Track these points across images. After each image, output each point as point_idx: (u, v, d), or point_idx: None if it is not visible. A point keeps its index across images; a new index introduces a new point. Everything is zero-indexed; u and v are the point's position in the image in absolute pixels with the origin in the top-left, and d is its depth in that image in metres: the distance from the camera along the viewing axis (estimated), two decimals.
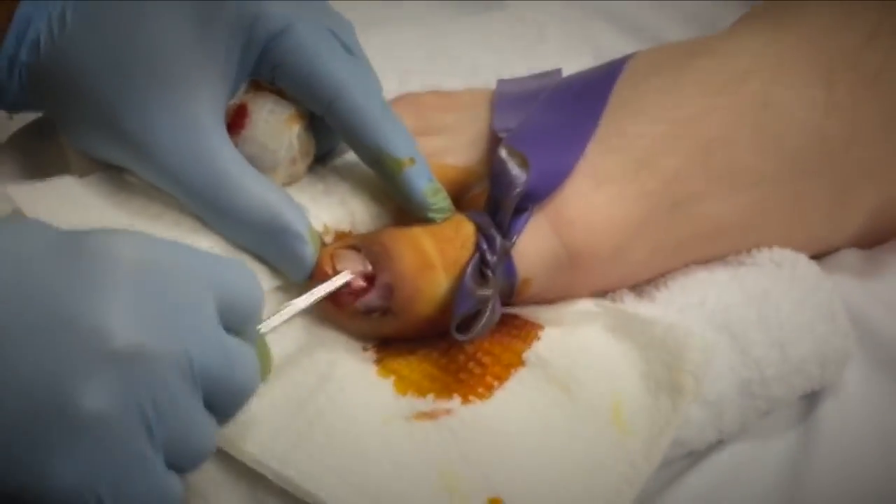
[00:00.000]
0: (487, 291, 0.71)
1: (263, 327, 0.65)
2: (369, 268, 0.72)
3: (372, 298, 0.72)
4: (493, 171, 0.74)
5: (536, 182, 0.73)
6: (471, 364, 0.72)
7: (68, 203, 0.75)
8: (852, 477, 0.73)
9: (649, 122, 0.77)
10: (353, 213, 0.77)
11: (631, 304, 0.76)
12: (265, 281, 0.72)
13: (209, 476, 0.66)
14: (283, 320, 0.67)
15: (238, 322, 0.60)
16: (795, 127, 0.78)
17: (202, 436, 0.58)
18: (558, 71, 0.86)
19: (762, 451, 0.74)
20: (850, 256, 0.83)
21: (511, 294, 0.74)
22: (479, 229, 0.73)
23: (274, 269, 0.73)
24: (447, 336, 0.71)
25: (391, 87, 0.79)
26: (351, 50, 0.76)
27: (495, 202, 0.74)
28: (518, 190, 0.73)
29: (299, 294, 0.70)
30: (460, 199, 0.78)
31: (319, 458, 0.65)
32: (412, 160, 0.74)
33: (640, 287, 0.78)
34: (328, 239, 0.75)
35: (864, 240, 0.84)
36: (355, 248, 0.73)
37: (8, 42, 0.75)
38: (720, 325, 0.74)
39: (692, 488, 0.72)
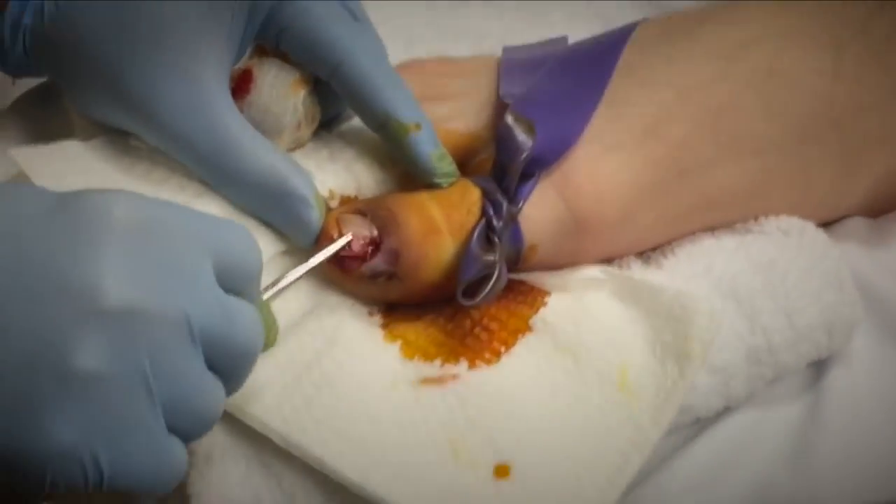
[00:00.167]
0: (493, 257, 0.71)
1: (267, 293, 0.64)
2: (375, 232, 0.72)
3: (378, 263, 0.71)
4: (499, 137, 0.74)
5: (543, 148, 0.73)
6: (477, 330, 0.72)
7: (73, 167, 0.74)
8: (860, 444, 0.73)
9: (657, 89, 0.77)
10: (358, 179, 0.77)
11: (638, 271, 0.76)
12: (270, 245, 0.72)
13: (215, 439, 0.66)
14: (287, 283, 0.67)
15: (237, 283, 0.59)
16: (803, 94, 0.78)
17: (206, 397, 0.57)
18: (564, 38, 0.85)
19: (770, 419, 0.74)
20: (858, 224, 0.83)
21: (517, 260, 0.74)
22: (486, 195, 0.73)
23: (279, 233, 0.73)
24: (453, 302, 0.71)
25: (396, 54, 0.78)
26: (356, 15, 0.75)
27: (501, 168, 0.73)
28: (524, 155, 0.72)
29: (305, 259, 0.70)
30: (466, 164, 0.78)
31: (326, 422, 0.65)
32: (418, 125, 0.74)
33: (647, 254, 0.78)
34: (333, 204, 0.75)
35: (872, 208, 0.83)
36: (361, 212, 0.73)
37: (12, 6, 0.74)
38: (727, 292, 0.74)
39: (699, 455, 0.72)
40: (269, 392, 0.66)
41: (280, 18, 0.74)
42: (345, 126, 0.81)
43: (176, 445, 0.56)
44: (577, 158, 0.74)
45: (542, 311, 0.73)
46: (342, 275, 0.72)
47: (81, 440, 0.53)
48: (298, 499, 0.66)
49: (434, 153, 0.74)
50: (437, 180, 0.74)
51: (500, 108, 0.78)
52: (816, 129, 0.78)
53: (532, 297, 0.74)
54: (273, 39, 0.75)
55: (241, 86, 0.75)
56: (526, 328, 0.72)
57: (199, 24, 0.72)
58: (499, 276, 0.71)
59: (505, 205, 0.72)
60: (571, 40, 0.85)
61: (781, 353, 0.73)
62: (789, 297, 0.74)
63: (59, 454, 0.53)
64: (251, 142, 0.72)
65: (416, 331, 0.72)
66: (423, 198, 0.73)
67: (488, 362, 0.70)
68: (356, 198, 0.76)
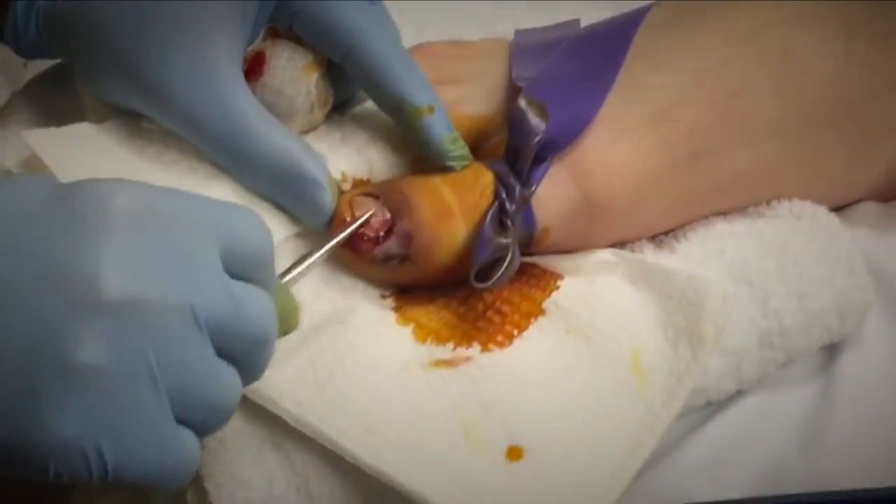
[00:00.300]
0: (506, 240, 0.71)
1: (287, 276, 0.64)
2: (388, 215, 0.72)
3: (391, 246, 0.71)
4: (511, 121, 0.74)
5: (556, 131, 0.73)
6: (490, 313, 0.72)
7: (84, 149, 0.74)
8: (871, 427, 0.73)
9: (669, 72, 0.76)
10: (370, 162, 0.77)
11: (650, 255, 0.76)
12: (282, 228, 0.72)
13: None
14: (308, 265, 0.66)
15: (247, 269, 0.58)
16: (815, 77, 0.78)
17: (218, 387, 0.55)
18: (576, 21, 0.85)
19: (782, 402, 0.74)
20: (870, 209, 0.83)
21: (530, 243, 0.74)
22: (498, 178, 0.73)
23: (291, 216, 0.73)
24: (466, 285, 0.71)
25: (408, 38, 0.78)
26: None
27: (514, 151, 0.73)
28: (537, 139, 0.72)
29: (317, 241, 0.70)
30: (478, 148, 0.78)
31: (338, 404, 0.65)
32: (431, 108, 0.74)
33: (660, 238, 0.78)
34: (346, 186, 0.75)
35: (884, 192, 0.83)
36: (374, 195, 0.73)
37: None
38: (739, 276, 0.74)
39: (711, 438, 0.72)
40: (282, 374, 0.66)
41: (293, 1, 0.74)
42: (357, 109, 0.80)
43: (187, 438, 0.55)
44: (590, 142, 0.74)
45: (555, 295, 0.73)
46: (355, 257, 0.72)
47: (83, 432, 0.52)
48: (311, 480, 0.66)
49: (447, 136, 0.74)
50: (450, 163, 0.74)
51: (513, 91, 0.78)
52: (829, 112, 0.78)
53: (545, 280, 0.74)
54: (286, 22, 0.75)
55: (254, 68, 0.75)
56: (538, 311, 0.72)
57: (213, 6, 0.72)
58: (511, 260, 0.71)
59: (518, 188, 0.72)
60: (583, 23, 0.85)
61: (793, 337, 0.73)
62: (801, 280, 0.74)
63: (61, 445, 0.52)
64: (264, 124, 0.72)
65: (429, 314, 0.72)
66: (436, 181, 0.73)
67: (501, 345, 0.70)
68: (369, 181, 0.76)
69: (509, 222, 0.71)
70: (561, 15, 0.85)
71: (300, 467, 0.66)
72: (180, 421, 0.54)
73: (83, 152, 0.74)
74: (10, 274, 0.52)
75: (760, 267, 0.74)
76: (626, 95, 0.76)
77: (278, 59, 0.75)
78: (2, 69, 1.03)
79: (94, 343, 0.51)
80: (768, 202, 0.79)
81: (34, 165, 0.73)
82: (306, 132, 0.77)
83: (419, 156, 0.76)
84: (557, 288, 0.73)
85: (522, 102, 0.74)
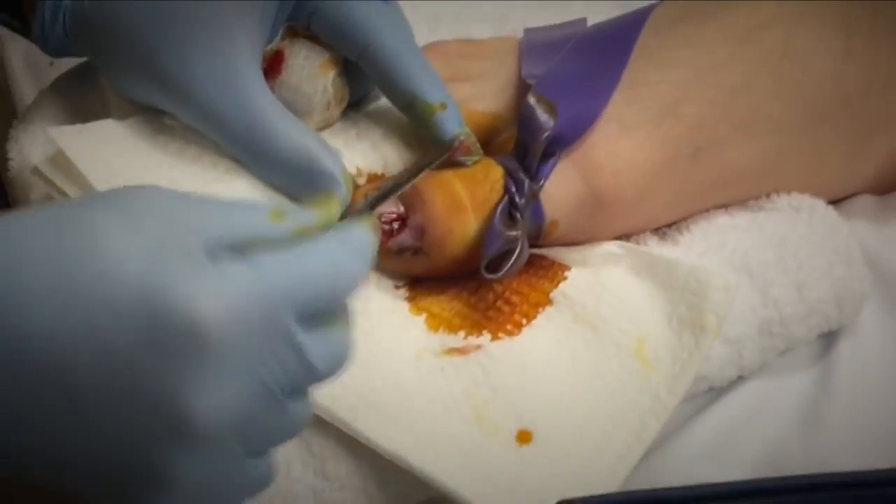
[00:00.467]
0: (516, 232, 0.72)
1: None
2: (402, 209, 0.72)
3: (404, 238, 0.72)
4: (521, 117, 0.74)
5: (564, 127, 0.73)
6: (500, 303, 0.72)
7: (109, 145, 0.75)
8: (868, 412, 0.73)
9: (673, 69, 0.77)
10: (385, 157, 0.77)
11: (654, 247, 0.76)
12: None
13: None
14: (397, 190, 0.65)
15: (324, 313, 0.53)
16: (814, 75, 0.78)
17: (291, 430, 0.54)
18: (583, 20, 0.85)
19: (781, 388, 0.74)
20: (866, 202, 0.83)
21: (539, 235, 0.74)
22: (508, 173, 0.73)
23: None
24: (477, 276, 0.72)
25: (421, 36, 0.78)
26: None
27: (523, 147, 0.74)
28: (546, 135, 0.73)
29: None
30: (489, 144, 0.78)
31: (354, 389, 0.66)
32: (444, 105, 0.74)
33: (663, 230, 0.78)
34: (361, 181, 0.76)
35: (880, 185, 0.84)
36: None
37: None
38: (740, 266, 0.74)
39: (714, 422, 0.72)
40: None
41: (311, 2, 0.74)
42: (372, 106, 0.81)
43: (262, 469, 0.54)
44: (597, 137, 0.74)
45: (563, 285, 0.73)
46: None
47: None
48: (328, 462, 0.66)
49: (459, 132, 0.74)
50: (462, 159, 0.74)
51: (522, 88, 0.78)
52: (827, 109, 0.78)
53: (553, 271, 0.74)
54: (304, 21, 0.75)
55: (273, 66, 0.76)
56: (547, 301, 0.73)
57: (233, 5, 0.73)
58: (521, 252, 0.72)
59: (527, 182, 0.72)
60: (590, 22, 0.85)
61: (793, 326, 0.73)
62: (800, 271, 0.74)
63: None
64: (282, 120, 0.72)
65: (441, 304, 0.73)
66: (448, 176, 0.73)
67: (510, 334, 0.71)
68: (383, 175, 0.77)
69: (519, 215, 0.72)
70: (568, 14, 0.85)
71: (317, 450, 0.66)
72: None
73: (108, 148, 0.75)
74: (107, 396, 0.48)
75: (760, 258, 0.74)
76: (631, 93, 0.76)
77: (296, 58, 0.76)
78: (28, 68, 1.03)
79: (190, 467, 0.50)
80: (768, 195, 0.79)
81: (60, 162, 0.74)
82: (323, 128, 0.77)
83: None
84: (565, 279, 0.74)
85: (531, 99, 0.74)
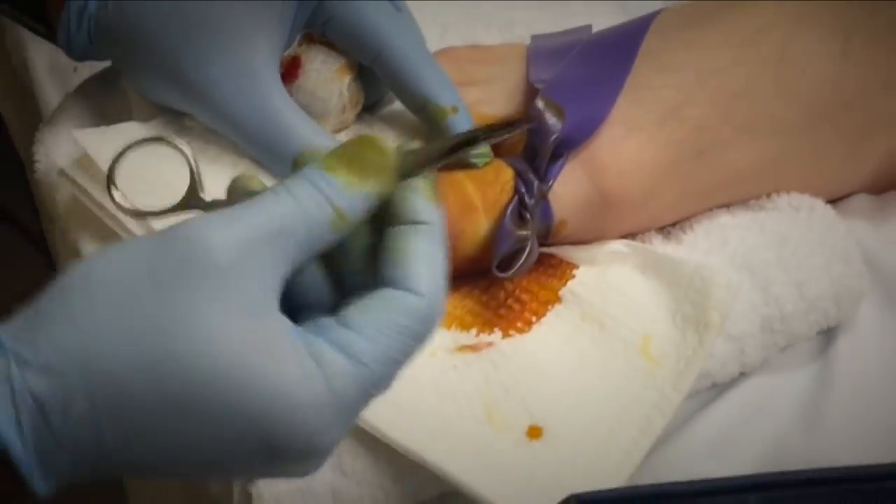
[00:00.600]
0: (526, 232, 0.72)
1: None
2: None
3: None
4: (529, 120, 0.74)
5: (571, 130, 0.73)
6: (510, 301, 0.72)
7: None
8: (867, 406, 0.73)
9: (676, 73, 0.77)
10: None
11: (659, 246, 0.76)
12: None
13: None
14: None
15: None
16: (813, 78, 0.78)
17: None
18: (588, 27, 0.85)
19: (782, 384, 0.74)
20: (864, 201, 0.83)
21: (547, 235, 0.75)
22: (518, 174, 0.73)
23: None
24: (488, 274, 0.72)
25: (432, 42, 0.79)
26: (397, 6, 0.76)
27: (532, 149, 0.74)
28: (554, 137, 0.73)
29: None
30: (498, 146, 0.77)
31: None
32: (455, 108, 0.74)
33: (668, 230, 0.78)
34: None
35: (877, 185, 0.84)
36: None
37: None
38: (741, 265, 0.74)
39: (717, 418, 0.72)
40: None
41: (326, 9, 0.74)
42: (386, 109, 0.81)
43: None
44: (603, 140, 0.74)
45: (571, 284, 0.73)
46: None
47: None
48: (345, 457, 0.66)
49: None
50: (473, 160, 0.74)
51: (530, 92, 0.78)
52: (826, 110, 0.78)
53: (561, 270, 0.74)
54: (320, 28, 0.76)
55: (290, 71, 0.76)
56: (556, 299, 0.73)
57: (251, 12, 0.73)
58: (531, 250, 0.72)
59: (536, 183, 0.72)
60: (595, 28, 0.85)
61: (793, 322, 0.73)
62: (800, 269, 0.74)
63: None
64: (298, 122, 0.73)
65: (453, 302, 0.73)
66: (460, 177, 0.73)
67: (521, 331, 0.71)
68: None
69: (528, 215, 0.72)
70: (574, 21, 0.85)
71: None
72: None
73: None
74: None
75: (762, 257, 0.74)
76: (636, 96, 0.76)
77: (313, 63, 0.76)
78: (52, 73, 1.03)
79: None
80: (769, 195, 0.79)
81: (85, 164, 0.74)
82: (339, 131, 0.78)
83: None
84: (573, 277, 0.74)
85: (540, 103, 0.74)
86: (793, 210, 0.77)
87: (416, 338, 0.52)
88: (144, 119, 0.78)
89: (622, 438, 0.67)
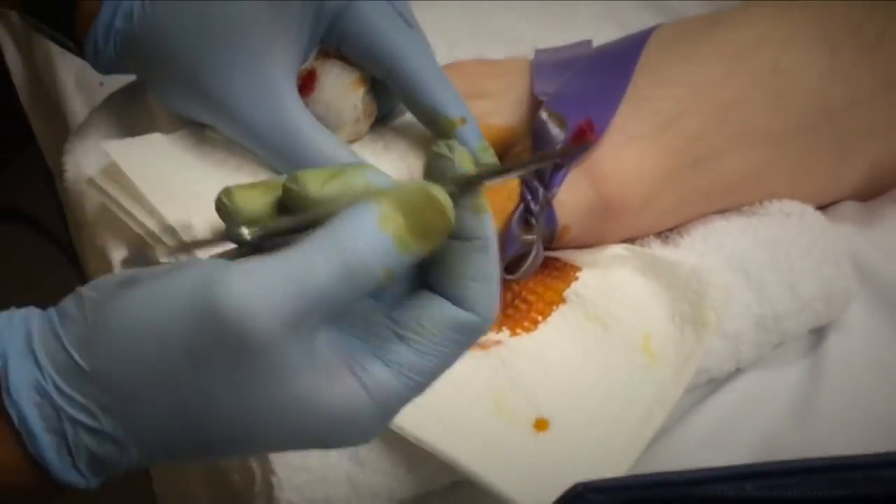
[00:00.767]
0: (532, 236, 0.72)
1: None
2: None
3: None
4: (534, 131, 0.75)
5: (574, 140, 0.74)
6: (517, 302, 0.73)
7: (157, 156, 0.76)
8: (855, 401, 0.74)
9: (673, 86, 0.77)
10: (410, 167, 0.78)
11: (658, 249, 0.77)
12: None
13: None
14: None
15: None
16: (803, 90, 0.78)
17: None
18: (588, 42, 0.86)
19: (776, 379, 0.75)
20: (852, 207, 0.83)
21: (552, 239, 0.75)
22: (524, 182, 0.74)
23: None
24: None
25: (440, 57, 0.79)
26: (409, 22, 0.76)
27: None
28: (557, 147, 0.73)
29: None
30: (505, 155, 0.78)
31: None
32: (463, 120, 0.75)
33: (666, 234, 0.79)
34: None
35: (864, 192, 0.84)
36: None
37: (104, 11, 0.75)
38: (736, 267, 0.75)
39: (714, 411, 0.73)
40: None
41: (341, 25, 0.75)
42: (398, 121, 0.81)
43: None
44: (604, 149, 0.75)
45: (575, 285, 0.74)
46: None
47: None
48: (361, 448, 0.67)
49: (478, 145, 0.75)
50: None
51: (535, 104, 0.78)
52: (815, 122, 0.79)
53: (565, 272, 0.75)
54: (335, 43, 0.76)
55: (306, 84, 0.76)
56: (560, 300, 0.73)
57: (269, 28, 0.73)
58: (536, 254, 0.73)
59: (541, 191, 0.73)
60: (595, 43, 0.86)
61: (785, 321, 0.74)
62: (792, 271, 0.75)
63: None
64: (315, 134, 0.73)
65: None
66: None
67: (527, 330, 0.72)
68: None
69: (534, 221, 0.73)
70: (575, 36, 0.86)
71: None
72: None
73: (155, 159, 0.75)
74: None
75: (755, 259, 0.75)
76: (635, 106, 0.76)
77: (328, 76, 0.76)
78: (79, 88, 1.04)
79: None
80: (761, 202, 0.79)
81: (113, 173, 0.74)
82: (353, 141, 0.78)
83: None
84: (577, 279, 0.74)
85: (544, 114, 0.75)
86: (784, 216, 0.78)
87: (463, 348, 0.52)
88: (168, 131, 0.78)
89: (624, 430, 0.68)
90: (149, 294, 0.48)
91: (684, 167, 0.76)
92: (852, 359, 0.75)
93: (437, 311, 0.50)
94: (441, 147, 0.50)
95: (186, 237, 0.71)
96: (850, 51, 0.79)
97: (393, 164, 0.77)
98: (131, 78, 0.86)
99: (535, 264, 0.73)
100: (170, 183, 0.73)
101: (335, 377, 0.48)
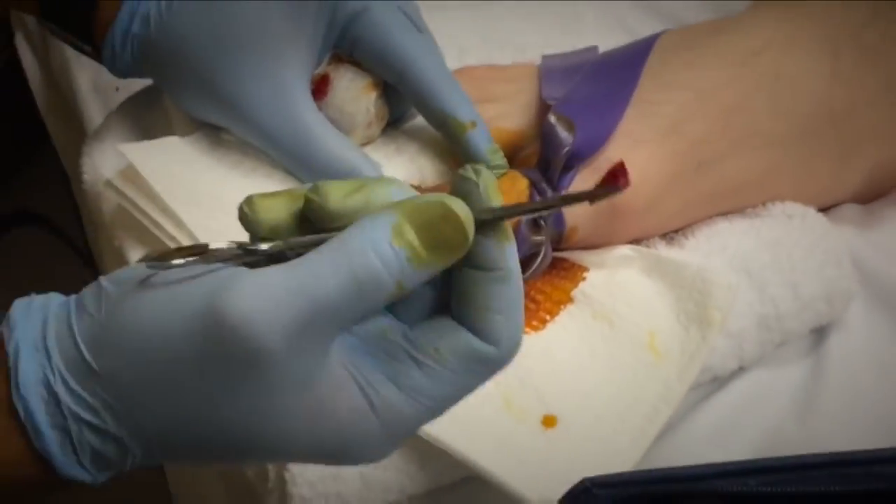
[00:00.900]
0: (541, 237, 0.72)
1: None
2: None
3: None
4: (543, 134, 0.75)
5: (581, 143, 0.74)
6: (526, 301, 0.72)
7: (173, 159, 0.76)
8: (855, 399, 0.74)
9: (678, 90, 0.77)
10: (421, 170, 0.78)
11: (663, 250, 0.77)
12: None
13: None
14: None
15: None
16: (804, 95, 0.79)
17: None
18: (595, 48, 0.86)
19: (778, 377, 0.75)
20: (852, 210, 0.84)
21: (560, 240, 0.75)
22: (532, 184, 0.74)
23: None
24: None
25: (450, 63, 0.79)
26: (420, 28, 0.76)
27: (545, 161, 0.74)
28: (566, 150, 0.73)
29: None
30: (513, 158, 0.79)
31: None
32: (473, 123, 0.75)
33: (671, 235, 0.79)
34: None
35: (864, 195, 0.84)
36: None
37: (121, 17, 0.75)
38: (739, 267, 0.75)
39: (718, 408, 0.73)
40: None
41: (354, 31, 0.75)
42: (409, 124, 0.81)
43: None
44: (611, 152, 0.75)
45: (582, 285, 0.74)
46: None
47: None
48: None
49: (488, 148, 0.75)
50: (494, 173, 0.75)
51: (543, 108, 0.79)
52: (816, 125, 0.79)
53: (573, 272, 0.75)
54: (348, 48, 0.76)
55: (320, 88, 0.77)
56: (568, 299, 0.74)
57: (285, 35, 0.73)
58: (545, 255, 0.73)
59: (549, 192, 0.73)
60: (601, 50, 0.86)
61: (788, 321, 0.74)
62: (794, 271, 0.75)
63: None
64: (328, 136, 0.73)
65: None
66: None
67: (536, 329, 0.72)
68: (420, 186, 0.77)
69: (542, 222, 0.73)
70: (582, 42, 0.86)
71: None
72: None
73: (172, 162, 0.76)
74: None
75: (758, 260, 0.75)
76: (641, 111, 0.77)
77: (341, 80, 0.77)
78: (95, 93, 1.04)
79: None
80: (764, 204, 0.79)
81: (130, 175, 0.75)
82: (365, 144, 0.78)
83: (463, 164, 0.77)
84: (584, 279, 0.74)
85: (552, 118, 0.75)
86: (787, 217, 0.78)
87: (481, 380, 0.50)
88: (184, 134, 0.78)
89: (630, 427, 0.68)
90: (162, 297, 0.48)
91: (689, 170, 0.76)
92: (853, 358, 0.75)
93: (456, 340, 0.48)
94: (467, 171, 0.48)
95: (203, 240, 0.71)
96: (852, 55, 0.79)
97: (404, 166, 0.77)
98: (147, 82, 0.86)
99: (544, 265, 0.73)
100: (186, 185, 0.74)
101: (342, 392, 0.47)
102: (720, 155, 0.77)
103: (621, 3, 1.02)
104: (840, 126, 0.79)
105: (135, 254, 0.76)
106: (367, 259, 0.45)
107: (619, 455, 0.67)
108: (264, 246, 0.48)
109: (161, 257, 0.47)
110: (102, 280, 0.49)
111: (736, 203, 0.79)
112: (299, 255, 0.47)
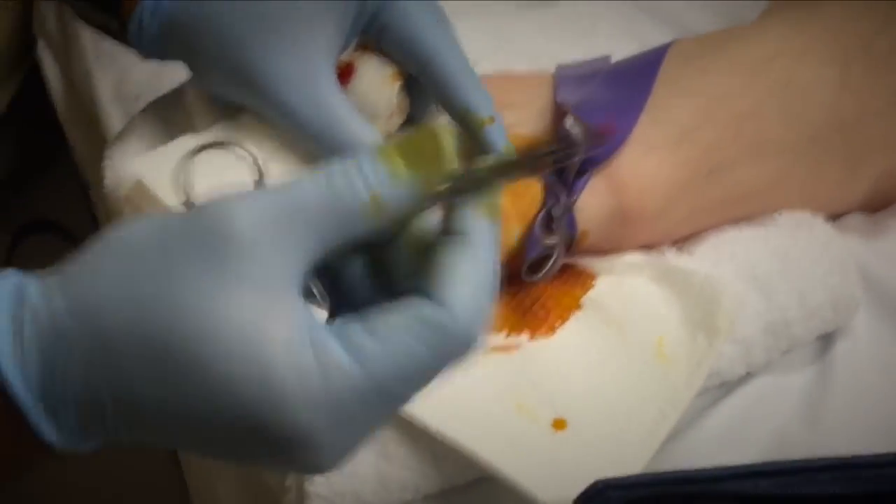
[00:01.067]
0: (553, 240, 0.72)
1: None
2: None
3: None
4: (559, 139, 0.75)
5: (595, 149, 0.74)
6: (536, 307, 0.73)
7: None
8: (861, 404, 0.74)
9: (691, 97, 0.77)
10: None
11: (672, 258, 0.77)
12: None
13: None
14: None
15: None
16: (814, 104, 0.79)
17: None
18: (608, 57, 0.86)
19: (785, 383, 0.75)
20: (859, 219, 0.84)
21: (571, 245, 0.75)
22: (546, 188, 0.74)
23: None
24: (516, 282, 0.72)
25: None
26: (445, 23, 0.76)
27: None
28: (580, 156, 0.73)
29: None
30: None
31: None
32: (492, 119, 0.74)
33: (680, 243, 0.79)
34: None
35: (871, 204, 0.84)
36: None
37: None
38: (748, 275, 0.75)
39: (725, 413, 0.73)
40: None
41: (382, 18, 0.74)
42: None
43: None
44: (624, 158, 0.75)
45: (592, 292, 0.74)
46: None
47: None
48: (388, 444, 0.67)
49: (504, 144, 0.74)
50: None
51: (558, 114, 0.78)
52: (826, 134, 0.79)
53: (583, 279, 0.75)
54: (374, 36, 0.75)
55: (344, 75, 0.75)
56: (577, 306, 0.73)
57: (314, 17, 0.72)
58: (557, 257, 0.73)
59: (563, 196, 0.73)
60: (614, 59, 0.86)
61: (795, 328, 0.74)
62: (801, 279, 0.75)
63: None
64: (352, 120, 0.72)
65: None
66: None
67: (546, 334, 0.72)
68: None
69: (555, 226, 0.73)
70: (594, 52, 0.86)
71: (379, 434, 0.66)
72: None
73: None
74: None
75: (766, 268, 0.75)
76: (654, 118, 0.76)
77: (366, 69, 0.76)
78: (116, 100, 1.03)
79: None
80: (772, 212, 0.79)
81: (141, 189, 0.74)
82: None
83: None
84: (593, 286, 0.75)
85: (568, 123, 0.75)
86: (794, 226, 0.78)
87: (432, 349, 0.46)
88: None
89: (638, 430, 0.68)
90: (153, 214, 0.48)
91: (699, 177, 0.76)
92: (859, 365, 0.75)
93: (407, 306, 0.46)
94: (486, 160, 0.49)
95: None
96: (862, 65, 0.79)
97: None
98: (169, 86, 0.85)
99: (556, 267, 0.73)
100: (198, 192, 0.73)
101: (289, 321, 0.45)
102: (731, 162, 0.77)
103: (634, 13, 1.02)
104: (849, 135, 0.79)
105: None
106: (344, 167, 0.46)
107: (628, 457, 0.67)
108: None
109: None
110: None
111: (745, 210, 0.79)
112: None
